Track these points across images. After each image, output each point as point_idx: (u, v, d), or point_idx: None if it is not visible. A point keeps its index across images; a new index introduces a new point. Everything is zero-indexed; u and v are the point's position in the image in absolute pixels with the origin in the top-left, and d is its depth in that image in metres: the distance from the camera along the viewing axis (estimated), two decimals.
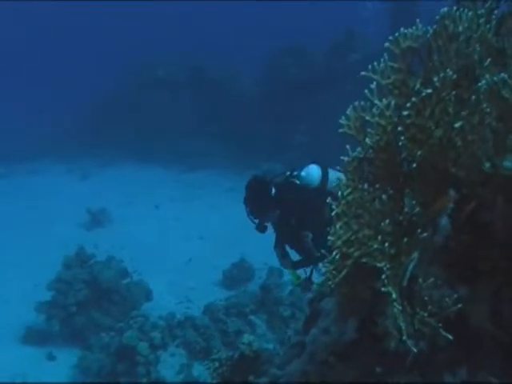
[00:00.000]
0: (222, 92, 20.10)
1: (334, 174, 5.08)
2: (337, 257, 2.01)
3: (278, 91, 18.10)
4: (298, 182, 5.06)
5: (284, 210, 5.13)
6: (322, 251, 2.22)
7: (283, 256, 5.36)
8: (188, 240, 13.30)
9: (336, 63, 17.86)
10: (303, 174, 5.13)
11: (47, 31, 38.35)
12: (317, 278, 7.15)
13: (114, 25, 38.58)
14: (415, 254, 2.13)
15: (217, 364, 3.62)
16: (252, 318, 9.25)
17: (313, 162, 5.25)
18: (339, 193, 2.04)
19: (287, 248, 5.42)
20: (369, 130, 2.04)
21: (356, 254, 2.00)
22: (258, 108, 18.86)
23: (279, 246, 5.37)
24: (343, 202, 2.02)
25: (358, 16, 20.66)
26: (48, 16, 38.38)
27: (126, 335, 8.39)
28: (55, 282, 9.83)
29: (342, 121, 2.10)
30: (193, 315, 9.26)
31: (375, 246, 1.98)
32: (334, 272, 2.04)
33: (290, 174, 5.13)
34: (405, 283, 2.10)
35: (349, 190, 2.04)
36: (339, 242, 2.00)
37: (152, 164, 19.49)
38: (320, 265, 5.14)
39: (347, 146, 2.07)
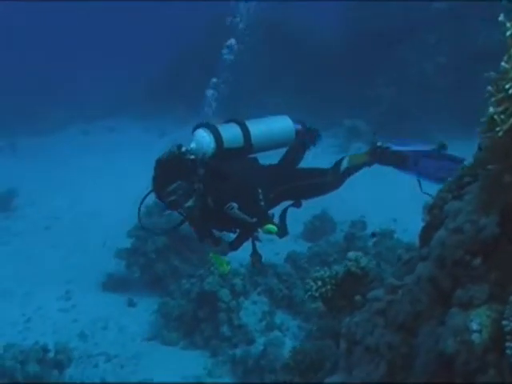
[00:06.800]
0: (298, 44, 19.43)
1: (225, 130, 4.46)
2: (510, 91, 1.58)
3: (356, 43, 17.38)
4: (193, 156, 4.28)
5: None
6: None
7: (217, 243, 4.64)
8: None
9: (417, 13, 16.89)
10: (193, 145, 4.39)
11: None
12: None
13: None
14: None
15: (319, 283, 3.29)
16: (336, 267, 8.87)
17: (197, 128, 4.49)
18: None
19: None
20: None
21: None
22: (335, 61, 18.19)
23: (205, 236, 4.66)
24: None
25: None
26: None
27: (208, 281, 8.22)
28: (135, 229, 9.76)
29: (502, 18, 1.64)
30: (275, 263, 8.99)
31: None
32: (501, 116, 1.62)
33: (180, 152, 4.28)
34: None
35: None
36: None
37: None
38: (259, 232, 4.53)
39: None
